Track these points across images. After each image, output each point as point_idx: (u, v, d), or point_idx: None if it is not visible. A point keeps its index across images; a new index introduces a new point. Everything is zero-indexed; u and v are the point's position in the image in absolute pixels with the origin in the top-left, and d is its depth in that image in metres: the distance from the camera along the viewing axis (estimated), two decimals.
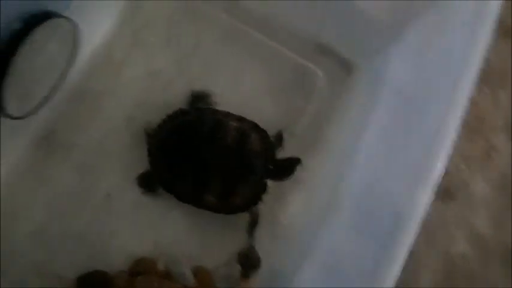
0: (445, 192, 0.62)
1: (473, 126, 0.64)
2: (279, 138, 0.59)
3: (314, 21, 0.59)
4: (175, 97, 0.58)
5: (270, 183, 0.57)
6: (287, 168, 0.58)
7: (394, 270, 0.37)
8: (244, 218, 0.57)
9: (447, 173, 0.39)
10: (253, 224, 0.58)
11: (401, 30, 0.52)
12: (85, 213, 0.55)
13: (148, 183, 0.57)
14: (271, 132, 0.57)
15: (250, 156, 0.56)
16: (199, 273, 0.55)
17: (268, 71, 0.61)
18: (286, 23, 0.60)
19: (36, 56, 0.50)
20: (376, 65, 0.57)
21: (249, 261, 0.57)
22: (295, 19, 0.59)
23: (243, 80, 0.61)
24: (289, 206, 0.58)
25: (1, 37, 0.45)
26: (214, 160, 0.56)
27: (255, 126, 0.57)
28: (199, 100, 0.59)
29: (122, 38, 0.59)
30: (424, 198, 0.38)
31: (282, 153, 0.58)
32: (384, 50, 0.55)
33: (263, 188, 0.57)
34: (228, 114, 0.57)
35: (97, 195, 0.55)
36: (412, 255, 0.37)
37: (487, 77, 0.59)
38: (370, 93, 0.56)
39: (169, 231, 0.56)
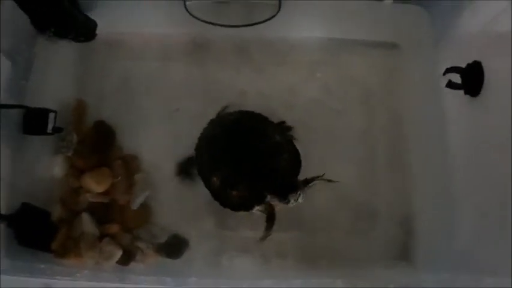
0: None
1: None
2: (308, 181, 0.58)
3: None
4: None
5: None
6: (288, 189, 0.57)
7: None
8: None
9: None
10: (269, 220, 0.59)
11: None
12: None
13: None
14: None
15: (272, 168, 0.58)
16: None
17: None
18: None
19: None
20: None
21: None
22: None
23: None
24: None
25: None
26: (242, 155, 0.58)
27: (296, 155, 0.60)
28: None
29: None
30: None
31: None
32: None
33: (261, 200, 0.58)
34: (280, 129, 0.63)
35: None
36: None
37: None
38: None
39: None
